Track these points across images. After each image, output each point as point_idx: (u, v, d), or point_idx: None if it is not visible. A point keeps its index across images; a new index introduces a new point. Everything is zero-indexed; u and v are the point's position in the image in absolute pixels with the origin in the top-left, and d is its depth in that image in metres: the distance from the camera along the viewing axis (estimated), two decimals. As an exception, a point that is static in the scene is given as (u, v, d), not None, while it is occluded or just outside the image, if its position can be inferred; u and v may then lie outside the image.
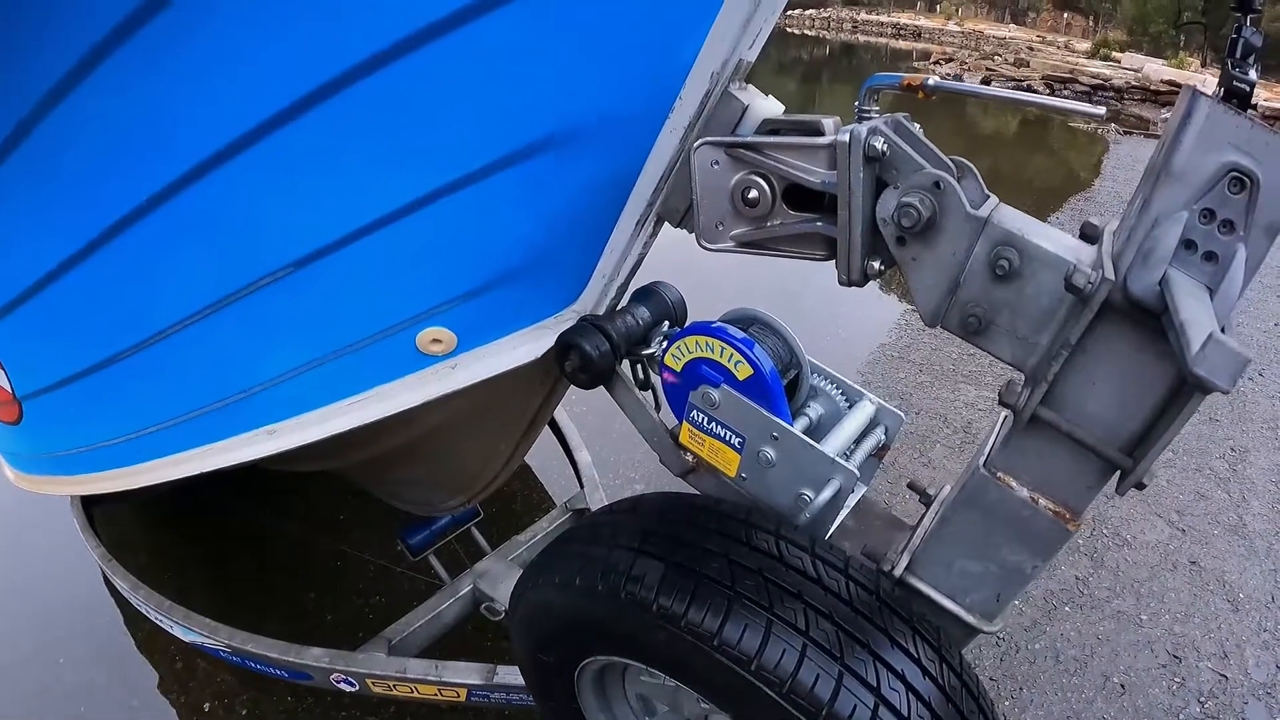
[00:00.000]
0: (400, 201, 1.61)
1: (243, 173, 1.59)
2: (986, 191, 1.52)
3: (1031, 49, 34.99)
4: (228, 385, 2.01)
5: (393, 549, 3.13)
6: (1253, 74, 1.26)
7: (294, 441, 2.02)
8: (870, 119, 1.56)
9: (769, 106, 1.63)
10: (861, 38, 49.11)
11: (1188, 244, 1.25)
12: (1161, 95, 23.00)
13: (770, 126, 1.59)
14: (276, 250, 1.72)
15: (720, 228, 1.66)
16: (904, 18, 54.66)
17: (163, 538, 3.77)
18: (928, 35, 47.11)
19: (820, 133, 1.53)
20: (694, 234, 1.70)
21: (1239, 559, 4.00)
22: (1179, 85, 22.49)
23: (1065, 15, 54.87)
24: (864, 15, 56.45)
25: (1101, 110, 1.52)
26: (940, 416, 5.02)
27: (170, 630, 2.93)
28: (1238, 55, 1.27)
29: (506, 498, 3.88)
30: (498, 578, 2.89)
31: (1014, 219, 1.45)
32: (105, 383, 2.15)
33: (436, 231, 1.65)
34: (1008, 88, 23.77)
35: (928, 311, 1.52)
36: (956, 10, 55.73)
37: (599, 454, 3.67)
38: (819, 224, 1.57)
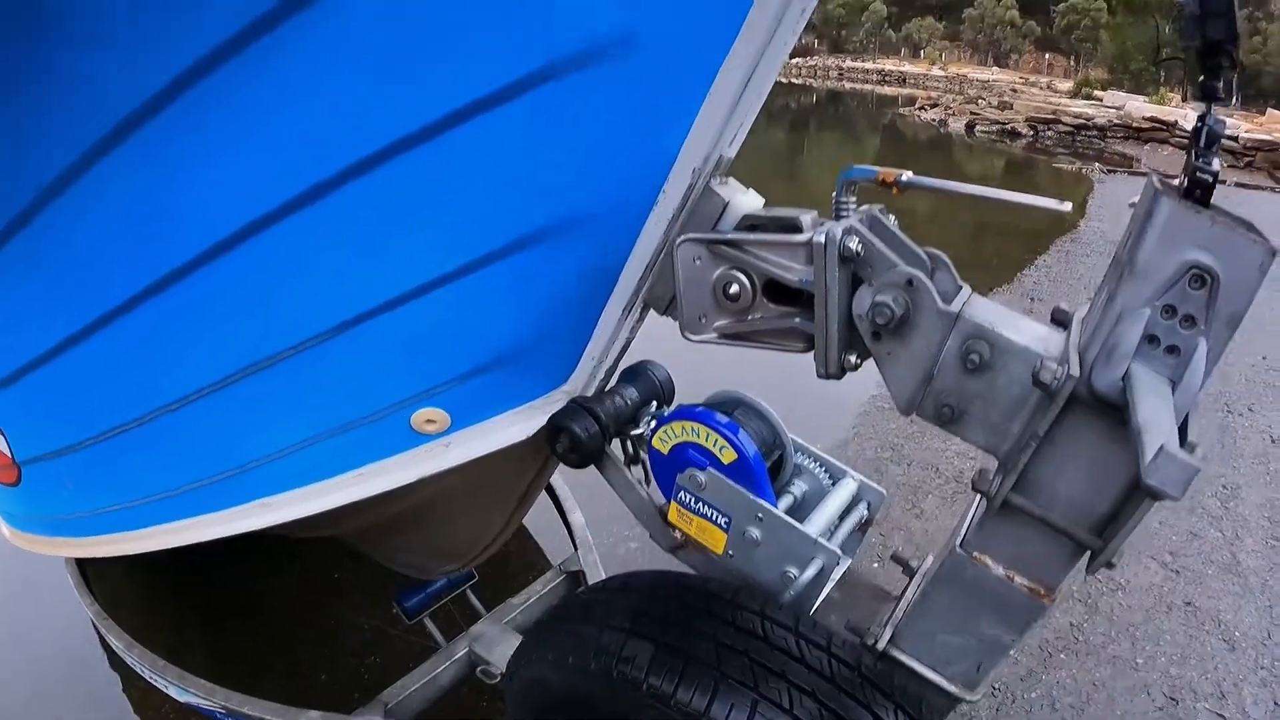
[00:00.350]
0: (397, 291, 1.68)
1: (245, 262, 1.66)
2: (959, 282, 1.58)
3: (1015, 91, 35.51)
4: (227, 460, 2.07)
5: (388, 610, 3.14)
6: (1216, 164, 1.31)
7: (290, 515, 2.07)
8: (846, 212, 1.64)
9: (749, 201, 1.70)
10: (848, 84, 49.88)
11: (1150, 339, 1.31)
12: (1144, 132, 23.31)
13: (750, 222, 1.66)
14: (277, 335, 1.78)
15: (703, 320, 1.73)
16: (889, 64, 55.57)
17: (157, 595, 3.76)
18: (912, 80, 47.84)
19: (798, 229, 1.59)
20: (678, 324, 1.76)
21: (1234, 597, 4.02)
22: (1161, 121, 22.83)
23: (1047, 56, 55.74)
24: (849, 62, 57.40)
25: (1068, 206, 1.58)
26: (932, 467, 5.03)
27: (165, 690, 2.92)
28: (1202, 144, 1.31)
29: (501, 557, 3.86)
30: (493, 641, 2.90)
31: (985, 311, 1.51)
32: (104, 454, 2.19)
33: (432, 319, 1.72)
34: (992, 131, 24.10)
35: (903, 401, 1.58)
36: (940, 55, 56.60)
37: (593, 511, 3.69)
38: (797, 320, 1.64)
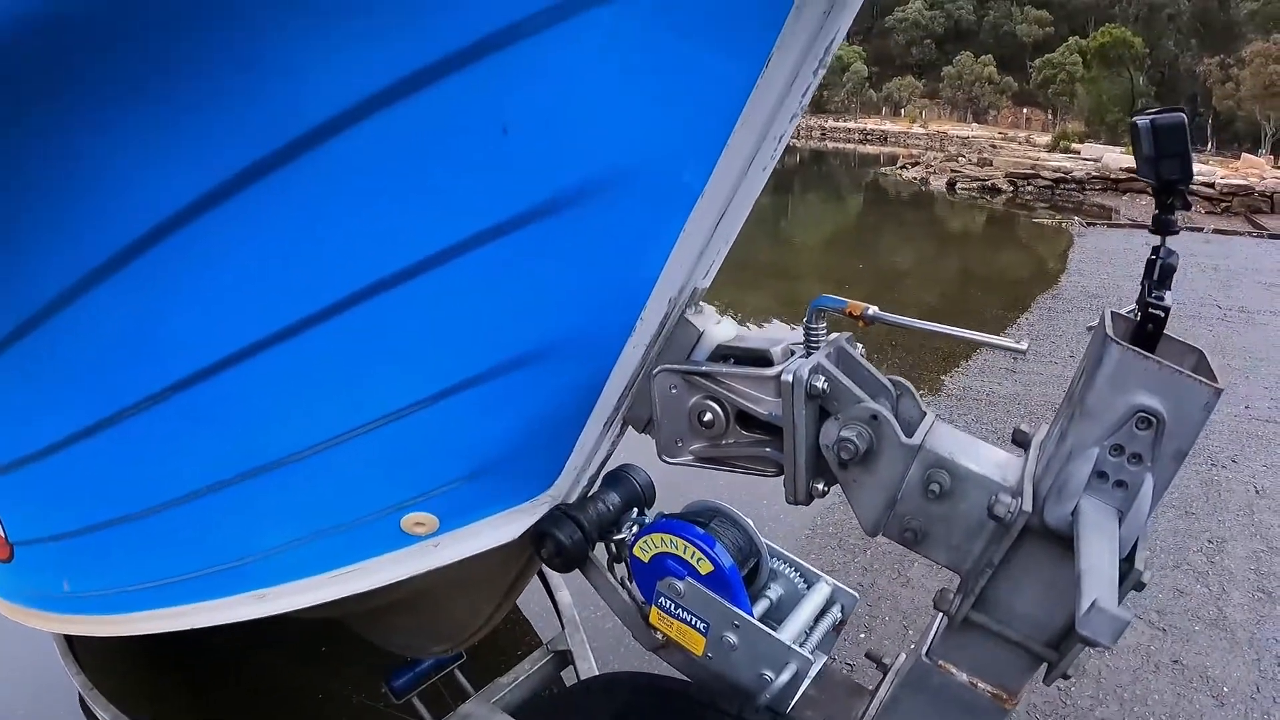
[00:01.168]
0: (390, 408, 1.78)
1: (250, 378, 1.76)
2: (923, 409, 1.69)
3: (994, 146, 36.09)
4: (224, 553, 2.13)
5: (376, 685, 3.15)
6: (1168, 298, 1.39)
7: (282, 607, 2.13)
8: (816, 340, 1.72)
9: (722, 331, 1.80)
10: (830, 144, 50.58)
11: (1100, 474, 1.39)
12: (1122, 183, 23.66)
13: (723, 352, 1.77)
14: (277, 444, 1.87)
15: (679, 444, 1.83)
16: (870, 123, 56.49)
17: (144, 665, 3.76)
18: (893, 139, 48.66)
19: (769, 362, 1.70)
20: (655, 445, 1.86)
21: (1221, 653, 4.03)
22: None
23: (1025, 110, 56.69)
24: (832, 122, 58.32)
25: (1024, 346, 1.68)
26: (918, 531, 5.01)
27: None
28: (1155, 277, 1.39)
29: (489, 633, 3.88)
30: (481, 721, 2.91)
31: (947, 440, 1.61)
32: (100, 543, 2.25)
33: (422, 433, 1.81)
34: (973, 188, 24.43)
35: (868, 524, 1.67)
36: (920, 113, 57.52)
37: (580, 584, 3.72)
38: (768, 449, 1.74)
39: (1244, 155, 28.35)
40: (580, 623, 3.41)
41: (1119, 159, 25.56)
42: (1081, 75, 48.16)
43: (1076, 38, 51.79)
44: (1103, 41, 46.30)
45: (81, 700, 3.29)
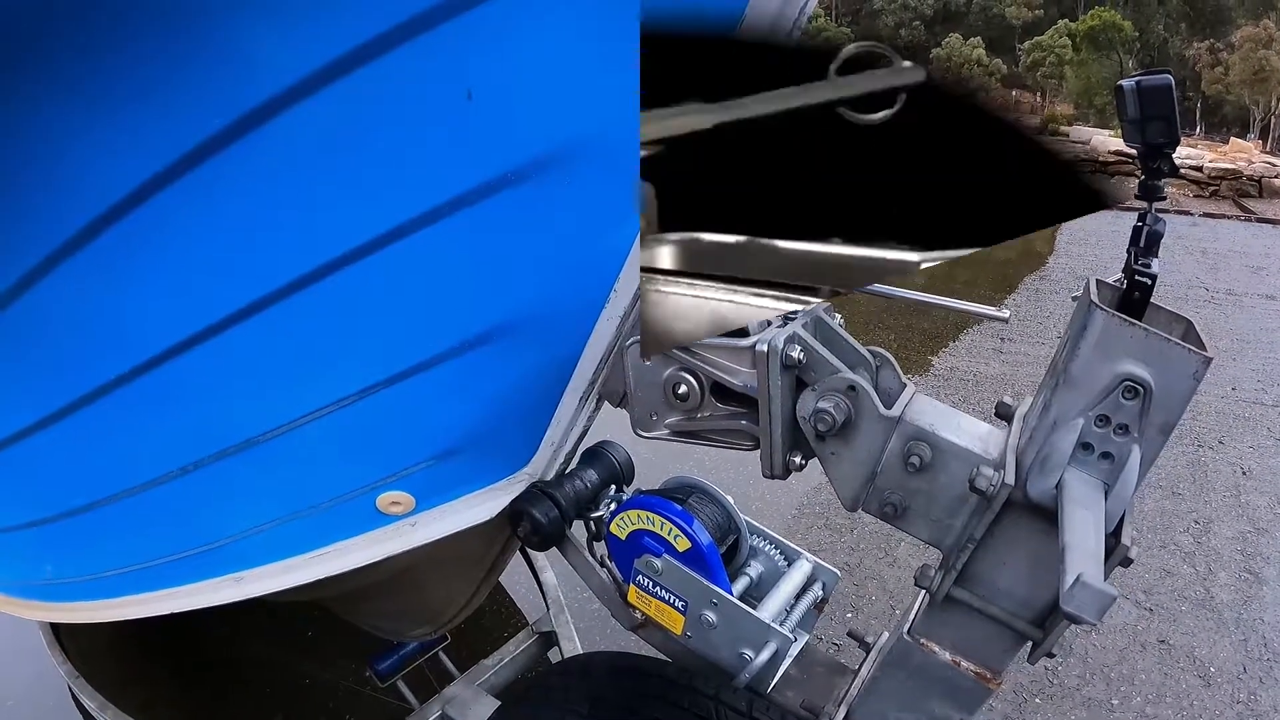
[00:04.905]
0: (363, 384, 1.73)
1: (212, 357, 1.70)
2: (904, 380, 1.65)
3: (983, 128, 35.94)
4: (200, 535, 2.09)
5: (362, 668, 3.13)
6: (1155, 266, 1.35)
7: (260, 590, 2.10)
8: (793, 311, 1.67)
9: None
10: (819, 125, 50.31)
11: (1085, 446, 1.35)
12: (1110, 166, 23.58)
13: None
14: (249, 423, 1.82)
15: (654, 418, 1.80)
16: (859, 104, 56.22)
17: (130, 652, 3.74)
18: (882, 121, 48.36)
19: (745, 332, 1.65)
20: (629, 419, 1.82)
21: (1208, 633, 4.05)
22: (1126, 154, 23.16)
23: (1014, 93, 56.59)
24: (820, 103, 58.07)
25: (1006, 314, 1.63)
26: (905, 510, 5.01)
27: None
28: (1142, 244, 1.36)
29: (474, 613, 3.86)
30: (466, 703, 2.89)
31: (927, 412, 1.57)
32: (74, 529, 2.20)
33: (396, 409, 1.77)
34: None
35: (847, 498, 1.64)
36: (909, 94, 57.27)
37: (568, 565, 3.69)
38: (744, 422, 1.71)
39: (1232, 139, 28.38)
40: (565, 603, 3.39)
41: (1107, 142, 25.53)
42: (1070, 58, 48.02)
43: (1066, 21, 51.62)
44: (1092, 25, 46.18)
45: (71, 692, 3.26)
